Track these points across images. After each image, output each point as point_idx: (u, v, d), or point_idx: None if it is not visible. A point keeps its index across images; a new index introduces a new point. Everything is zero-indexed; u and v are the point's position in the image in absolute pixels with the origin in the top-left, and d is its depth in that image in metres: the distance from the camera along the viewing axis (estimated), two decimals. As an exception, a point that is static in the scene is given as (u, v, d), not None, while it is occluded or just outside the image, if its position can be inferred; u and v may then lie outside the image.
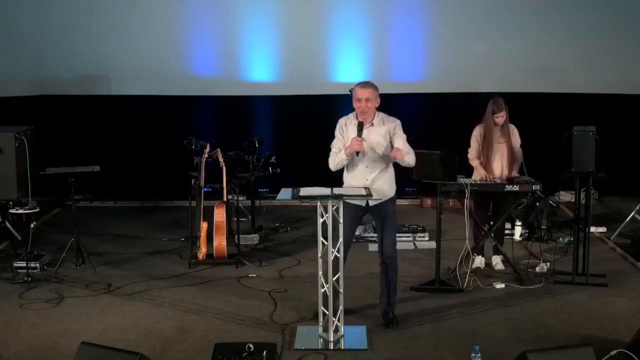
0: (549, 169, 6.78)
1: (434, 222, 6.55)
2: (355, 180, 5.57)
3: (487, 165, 6.75)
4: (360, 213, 5.63)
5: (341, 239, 5.26)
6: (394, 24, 9.45)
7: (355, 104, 5.50)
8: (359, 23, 9.40)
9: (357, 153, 5.43)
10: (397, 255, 5.76)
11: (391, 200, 5.61)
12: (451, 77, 9.47)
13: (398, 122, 5.58)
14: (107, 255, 7.42)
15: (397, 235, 7.75)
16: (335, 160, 5.55)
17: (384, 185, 5.56)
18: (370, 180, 5.53)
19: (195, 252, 7.13)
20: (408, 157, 5.47)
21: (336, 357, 5.12)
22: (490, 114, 6.70)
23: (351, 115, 5.62)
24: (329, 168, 5.64)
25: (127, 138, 9.56)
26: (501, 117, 6.69)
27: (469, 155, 6.82)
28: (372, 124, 5.53)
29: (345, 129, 5.57)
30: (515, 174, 6.71)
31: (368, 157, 5.51)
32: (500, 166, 6.78)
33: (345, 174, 5.67)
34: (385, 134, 5.52)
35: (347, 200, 5.38)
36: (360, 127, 5.42)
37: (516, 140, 6.80)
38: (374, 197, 5.36)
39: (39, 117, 8.79)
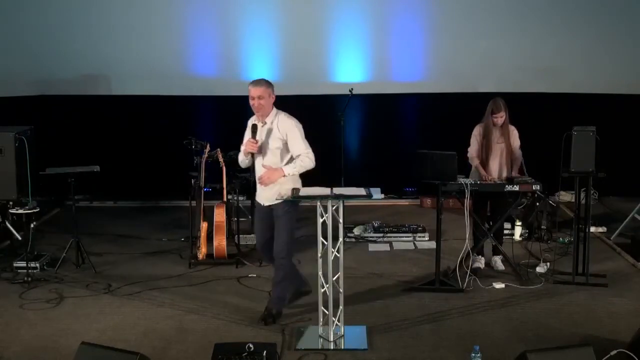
0: (549, 169, 6.78)
1: (434, 222, 6.54)
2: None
3: (485, 165, 6.76)
4: (266, 210, 5.59)
5: (341, 239, 5.26)
6: (394, 24, 9.44)
7: (250, 102, 5.53)
8: (359, 23, 9.40)
9: (253, 154, 5.54)
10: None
11: (284, 202, 5.45)
12: (451, 77, 9.46)
13: (293, 123, 5.53)
14: (107, 255, 7.42)
15: (398, 235, 7.86)
16: (239, 158, 5.70)
17: (275, 185, 5.46)
18: None
19: (195, 252, 7.13)
20: (292, 167, 5.42)
21: (336, 357, 5.12)
22: (490, 114, 6.70)
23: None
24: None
25: (126, 138, 9.56)
26: (500, 118, 6.69)
27: (469, 154, 6.81)
28: (265, 123, 5.54)
29: (249, 128, 5.60)
30: (515, 174, 6.71)
31: (263, 156, 5.54)
32: (497, 166, 6.77)
33: None
34: (280, 134, 5.49)
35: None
36: (254, 129, 5.51)
37: (515, 141, 6.80)
38: (374, 198, 5.37)
39: (39, 117, 8.79)
